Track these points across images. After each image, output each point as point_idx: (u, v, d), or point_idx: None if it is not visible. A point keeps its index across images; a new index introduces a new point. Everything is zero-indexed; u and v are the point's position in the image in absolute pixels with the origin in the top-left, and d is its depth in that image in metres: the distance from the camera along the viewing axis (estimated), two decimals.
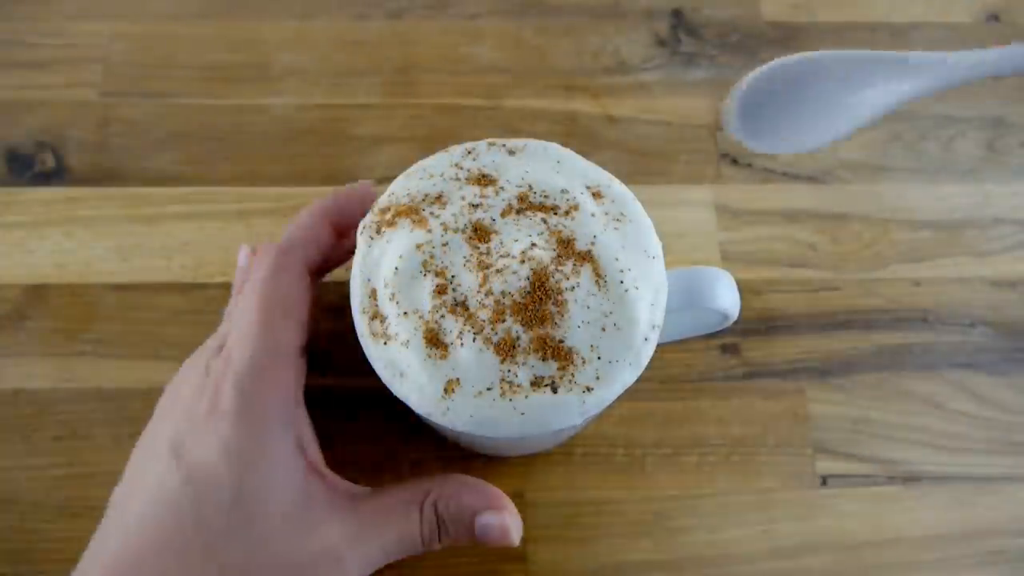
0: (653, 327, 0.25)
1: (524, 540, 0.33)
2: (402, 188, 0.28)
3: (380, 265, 0.26)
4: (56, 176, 0.40)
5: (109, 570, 0.24)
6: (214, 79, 0.43)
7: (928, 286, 0.39)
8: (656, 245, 0.26)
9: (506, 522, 0.27)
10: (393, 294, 0.25)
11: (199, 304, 0.37)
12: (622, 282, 0.25)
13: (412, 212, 0.27)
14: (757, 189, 0.41)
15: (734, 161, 0.42)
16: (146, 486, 0.26)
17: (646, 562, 0.33)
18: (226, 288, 0.38)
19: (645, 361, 0.25)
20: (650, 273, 0.26)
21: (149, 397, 0.35)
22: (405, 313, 0.25)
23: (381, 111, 0.42)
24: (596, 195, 0.27)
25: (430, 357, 0.24)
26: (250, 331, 0.27)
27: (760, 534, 0.34)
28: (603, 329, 0.25)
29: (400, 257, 0.25)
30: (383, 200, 0.28)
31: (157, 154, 0.41)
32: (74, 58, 0.43)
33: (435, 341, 0.24)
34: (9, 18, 0.44)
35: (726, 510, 0.34)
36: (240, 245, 0.34)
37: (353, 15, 0.45)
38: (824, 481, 0.35)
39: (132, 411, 0.35)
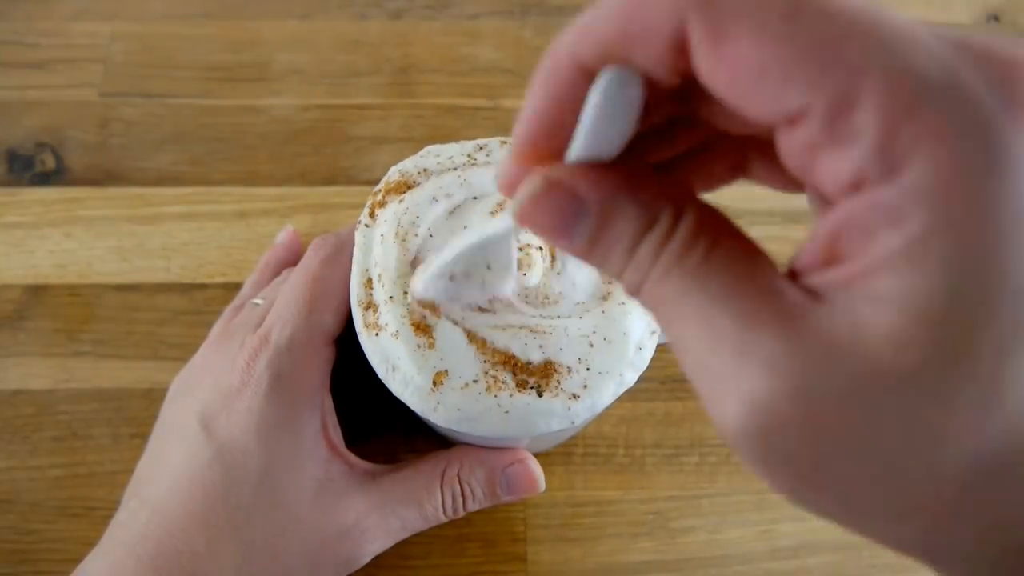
0: (652, 333, 0.25)
1: (524, 540, 0.33)
2: (397, 168, 0.28)
3: (372, 249, 0.26)
4: (56, 176, 0.40)
5: (136, 546, 0.25)
6: (214, 79, 0.43)
7: None
8: None
9: (532, 468, 0.28)
10: (380, 275, 0.25)
11: (199, 304, 0.37)
12: (605, 298, 0.25)
13: (402, 186, 0.27)
14: (757, 189, 0.41)
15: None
16: (174, 461, 0.26)
17: (646, 562, 0.33)
18: (226, 288, 0.38)
19: (640, 369, 0.25)
20: None
21: (149, 397, 0.35)
22: (392, 297, 0.25)
23: (381, 111, 0.42)
24: None
25: (419, 347, 0.24)
26: (295, 312, 0.27)
27: (760, 534, 0.34)
28: (591, 345, 0.25)
29: (382, 236, 0.26)
30: (379, 185, 0.28)
31: (157, 154, 0.41)
32: (74, 58, 0.43)
33: (421, 327, 0.24)
34: (9, 18, 0.44)
35: (726, 510, 0.34)
36: (285, 225, 0.37)
37: (353, 15, 0.45)
38: None
39: (132, 411, 0.35)
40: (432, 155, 0.28)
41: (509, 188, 0.16)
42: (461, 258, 0.23)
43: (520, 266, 0.24)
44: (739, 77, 0.13)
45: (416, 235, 0.26)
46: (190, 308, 0.37)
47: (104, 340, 0.37)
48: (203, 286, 0.38)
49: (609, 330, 0.25)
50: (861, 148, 0.12)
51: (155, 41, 0.44)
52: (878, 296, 0.12)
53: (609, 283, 0.26)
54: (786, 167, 0.14)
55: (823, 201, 0.14)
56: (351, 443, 0.28)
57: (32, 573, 0.32)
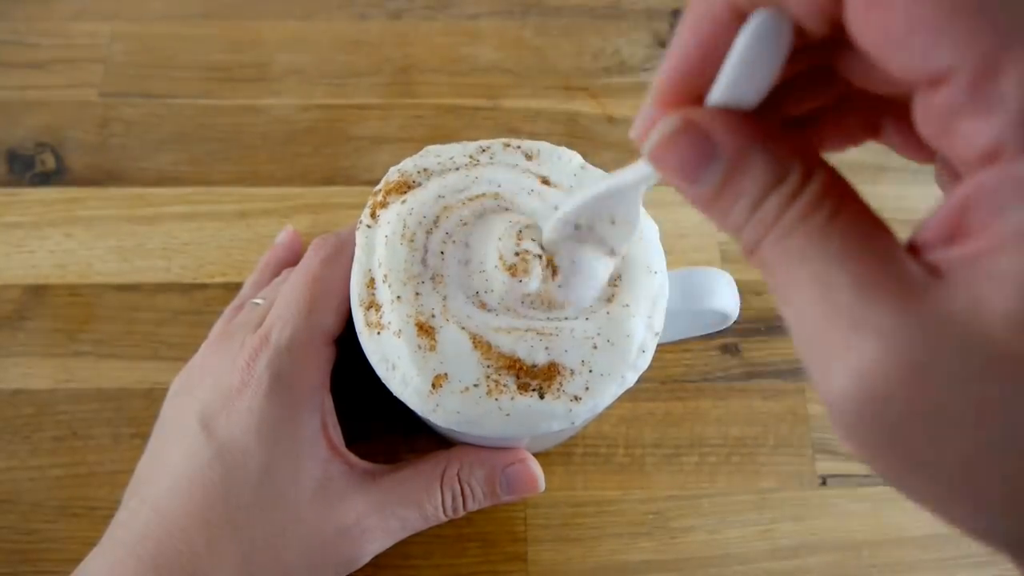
0: (655, 334, 0.25)
1: (524, 540, 0.33)
2: (397, 168, 0.28)
3: (375, 249, 0.26)
4: (56, 176, 0.40)
5: (136, 546, 0.25)
6: (214, 79, 0.43)
7: None
8: (660, 259, 0.26)
9: (532, 468, 0.28)
10: (386, 275, 0.25)
11: (199, 304, 0.37)
12: (609, 300, 0.25)
13: (402, 186, 0.27)
14: None
15: None
16: (175, 460, 0.26)
17: (646, 562, 0.33)
18: (226, 288, 0.38)
19: (641, 370, 0.25)
20: (649, 286, 0.26)
21: (149, 397, 0.35)
22: (399, 298, 0.25)
23: (381, 111, 0.42)
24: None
25: (420, 348, 0.24)
26: (295, 312, 0.27)
27: (760, 534, 0.34)
28: (595, 347, 0.25)
29: (387, 237, 0.26)
30: (379, 185, 0.28)
31: (157, 154, 0.41)
32: (74, 58, 0.43)
33: (425, 328, 0.24)
34: (9, 18, 0.44)
35: (726, 510, 0.34)
36: (285, 225, 0.37)
37: (353, 15, 0.45)
38: (824, 481, 0.35)
39: (132, 411, 0.35)
40: (432, 155, 0.28)
41: (645, 131, 0.16)
42: (588, 206, 0.22)
43: (515, 272, 0.24)
44: (890, 31, 0.13)
45: (428, 233, 0.26)
46: (190, 308, 0.37)
47: (104, 340, 0.37)
48: (203, 286, 0.38)
49: (613, 332, 0.25)
50: (1002, 117, 0.12)
51: (155, 41, 0.44)
52: (1001, 274, 0.12)
53: (615, 285, 0.26)
54: (920, 132, 0.14)
55: (952, 175, 0.14)
56: (351, 443, 0.28)
57: (33, 573, 0.32)
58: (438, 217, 0.26)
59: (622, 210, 0.23)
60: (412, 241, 0.25)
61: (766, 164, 0.14)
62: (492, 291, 0.25)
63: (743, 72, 0.14)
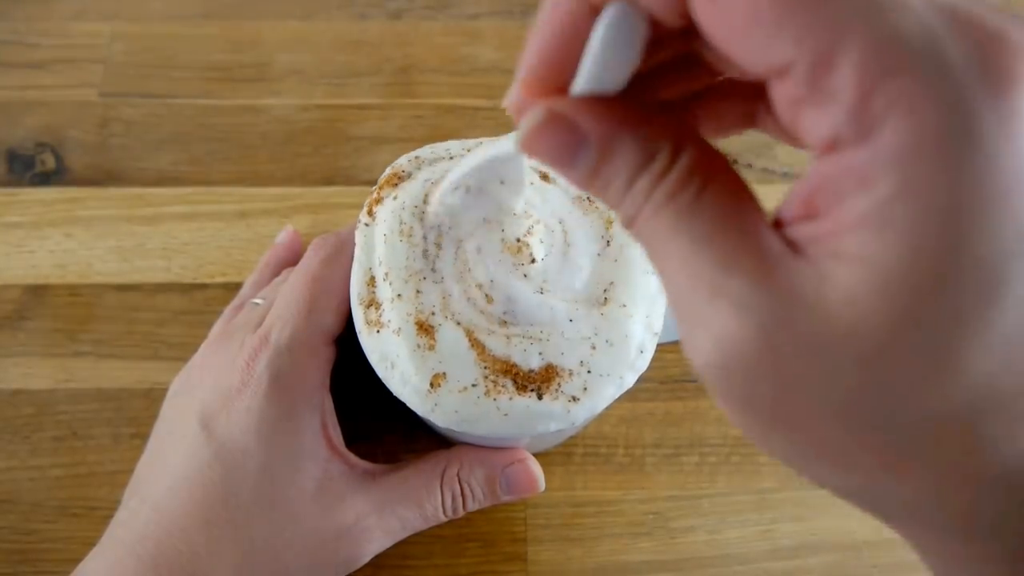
0: (653, 334, 0.25)
1: (524, 540, 0.33)
2: (391, 165, 0.28)
3: (375, 247, 0.26)
4: (56, 176, 0.40)
5: (136, 546, 0.25)
6: (214, 79, 0.43)
7: None
8: None
9: (532, 468, 0.29)
10: (387, 273, 0.25)
11: (199, 304, 0.37)
12: (607, 301, 0.25)
13: (393, 178, 0.27)
14: (757, 189, 0.41)
15: (734, 161, 0.42)
16: (174, 460, 0.26)
17: (646, 562, 0.33)
18: (226, 288, 0.38)
19: (641, 370, 0.25)
20: (647, 286, 0.26)
21: (149, 397, 0.35)
22: (399, 296, 0.25)
23: (381, 111, 0.42)
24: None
25: (419, 348, 0.24)
26: (295, 312, 0.27)
27: (760, 534, 0.34)
28: (593, 348, 0.25)
29: (385, 235, 0.26)
30: (374, 187, 0.28)
31: (157, 154, 0.41)
32: (74, 58, 0.43)
33: (424, 327, 0.24)
34: (9, 18, 0.44)
35: (726, 510, 0.34)
36: (285, 225, 0.37)
37: (353, 15, 0.45)
38: None
39: (132, 411, 0.35)
40: (427, 149, 0.28)
41: (517, 114, 0.16)
42: (473, 173, 0.23)
43: (532, 233, 0.25)
44: (732, 25, 0.13)
45: (422, 220, 0.26)
46: (190, 308, 0.37)
47: (104, 340, 0.37)
48: (203, 286, 0.38)
49: (611, 333, 0.25)
50: (838, 108, 0.12)
51: (155, 41, 0.44)
52: (845, 255, 0.13)
53: (609, 285, 0.26)
54: (779, 120, 0.14)
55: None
56: (351, 443, 0.28)
57: (33, 573, 0.32)
58: (427, 195, 0.26)
59: (509, 172, 0.24)
60: (410, 236, 0.25)
61: (634, 145, 0.15)
62: (491, 281, 0.25)
63: (601, 63, 0.15)
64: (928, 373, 0.13)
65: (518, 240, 0.25)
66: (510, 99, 0.17)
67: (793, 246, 0.14)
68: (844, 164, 0.13)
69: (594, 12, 0.14)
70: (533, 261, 0.25)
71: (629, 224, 0.16)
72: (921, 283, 0.12)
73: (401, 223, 0.26)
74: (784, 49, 0.12)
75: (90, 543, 0.26)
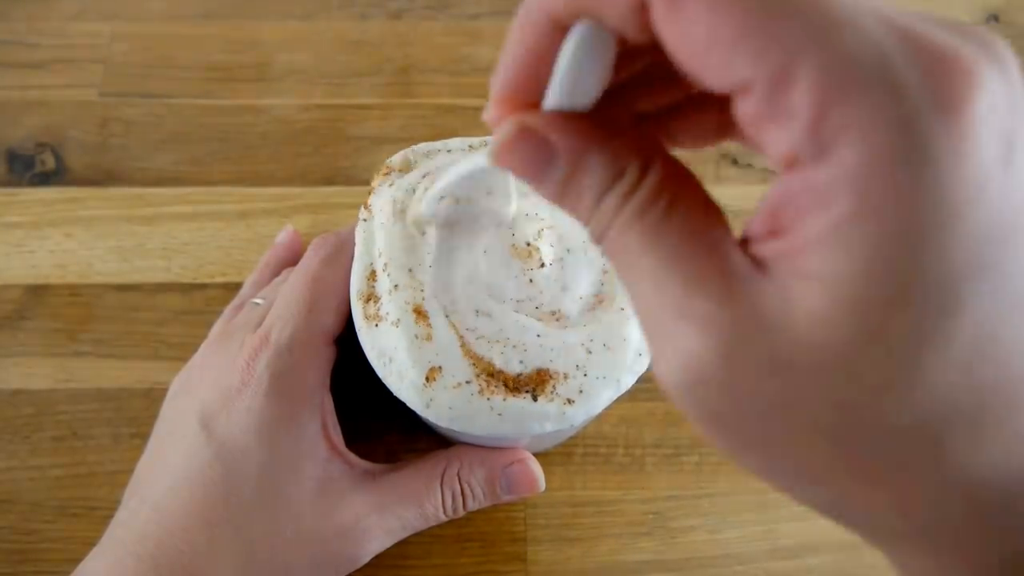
0: None
1: (524, 540, 0.33)
2: (386, 161, 0.28)
3: (375, 240, 0.26)
4: (56, 176, 0.40)
5: (137, 546, 0.25)
6: (214, 79, 0.43)
7: None
8: None
9: (532, 468, 0.29)
10: (386, 264, 0.25)
11: (199, 304, 0.37)
12: (604, 305, 0.25)
13: (387, 168, 0.27)
14: (757, 189, 0.41)
15: (734, 161, 0.42)
16: (175, 460, 0.26)
17: (646, 562, 0.33)
18: (226, 288, 0.38)
19: (640, 373, 0.25)
20: None
21: (149, 397, 0.35)
22: (396, 286, 0.25)
23: (381, 111, 0.42)
24: None
25: (417, 338, 0.24)
26: (295, 312, 0.27)
27: (760, 534, 0.34)
28: (589, 352, 0.24)
29: (382, 224, 0.26)
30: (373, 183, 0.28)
31: (157, 154, 0.41)
32: (74, 58, 0.43)
33: (422, 314, 0.25)
34: (9, 18, 0.44)
35: (726, 510, 0.34)
36: (285, 225, 0.37)
37: (353, 15, 0.45)
38: None
39: (132, 411, 0.35)
40: (424, 146, 0.28)
41: (494, 120, 0.17)
42: (460, 183, 0.24)
43: (538, 239, 0.25)
44: (692, 43, 0.13)
45: (418, 198, 0.26)
46: (190, 308, 0.37)
47: (104, 340, 0.37)
48: (203, 286, 0.38)
49: (609, 337, 0.25)
50: (795, 127, 0.12)
51: (155, 41, 0.44)
52: (807, 273, 0.13)
53: (608, 289, 0.26)
54: (746, 134, 0.14)
55: None
56: (351, 443, 0.28)
57: (33, 573, 0.32)
58: (421, 188, 0.26)
59: (495, 183, 0.24)
60: (403, 212, 0.26)
61: (603, 161, 0.15)
62: (487, 284, 0.25)
63: (571, 80, 0.15)
64: (890, 386, 0.13)
65: (528, 244, 0.25)
66: (487, 114, 0.17)
67: (759, 263, 0.14)
68: (804, 182, 0.13)
69: (563, 30, 0.15)
70: (543, 266, 0.25)
71: (598, 240, 0.16)
72: (880, 301, 0.12)
73: (395, 203, 0.26)
74: (744, 67, 0.13)
75: (90, 543, 0.26)
